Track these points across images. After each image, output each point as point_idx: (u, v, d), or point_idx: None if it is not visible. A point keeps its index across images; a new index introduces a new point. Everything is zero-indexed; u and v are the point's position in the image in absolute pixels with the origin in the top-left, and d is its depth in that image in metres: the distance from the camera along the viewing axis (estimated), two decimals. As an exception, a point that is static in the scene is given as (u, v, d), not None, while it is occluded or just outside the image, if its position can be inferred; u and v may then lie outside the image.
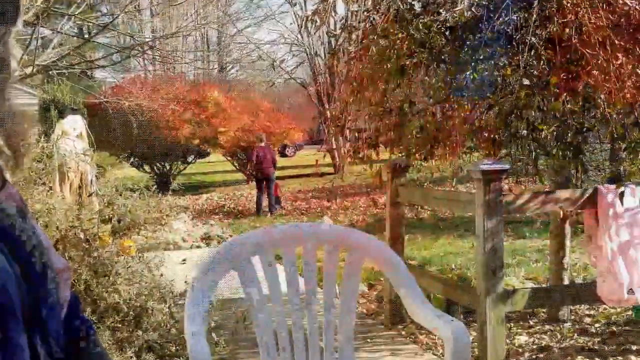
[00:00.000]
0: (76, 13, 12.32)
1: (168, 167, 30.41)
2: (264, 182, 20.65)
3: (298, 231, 4.23)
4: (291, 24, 44.31)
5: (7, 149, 1.31)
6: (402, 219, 7.91)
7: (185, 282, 6.89)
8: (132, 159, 30.17)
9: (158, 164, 30.16)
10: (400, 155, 7.58)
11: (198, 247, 13.89)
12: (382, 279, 8.55)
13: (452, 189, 11.11)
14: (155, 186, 7.68)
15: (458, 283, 8.00)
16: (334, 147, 29.06)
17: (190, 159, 32.48)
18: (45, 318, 1.29)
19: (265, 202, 20.73)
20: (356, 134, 7.98)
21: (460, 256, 11.28)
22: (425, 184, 10.92)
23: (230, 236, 14.09)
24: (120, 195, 7.35)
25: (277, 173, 27.82)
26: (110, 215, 7.37)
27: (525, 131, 6.69)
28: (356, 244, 4.19)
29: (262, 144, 21.24)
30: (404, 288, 4.11)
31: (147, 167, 30.18)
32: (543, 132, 6.68)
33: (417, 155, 7.39)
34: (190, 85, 32.22)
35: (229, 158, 32.63)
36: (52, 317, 1.32)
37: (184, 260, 11.94)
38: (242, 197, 26.08)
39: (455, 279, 8.89)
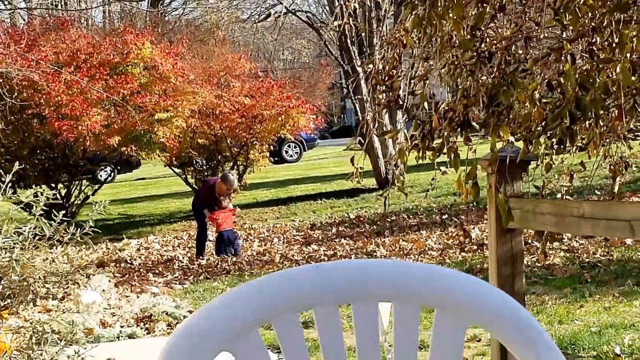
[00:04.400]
0: None
1: (64, 192, 18.76)
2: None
3: (344, 275, 1.86)
4: None
5: None
6: (520, 262, 4.37)
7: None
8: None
9: (44, 186, 17.08)
10: (511, 142, 4.14)
11: (131, 336, 8.00)
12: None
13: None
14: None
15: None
16: (378, 136, 15.12)
17: (103, 174, 22.85)
18: None
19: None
20: (425, 105, 4.43)
21: (631, 330, 6.82)
22: (559, 194, 5.38)
23: (190, 312, 8.83)
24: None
25: (266, 194, 21.88)
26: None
27: None
28: (454, 295, 1.90)
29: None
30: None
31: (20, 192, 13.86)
32: None
33: (543, 139, 4.17)
34: (98, 35, 20.33)
35: (175, 169, 21.14)
36: None
37: None
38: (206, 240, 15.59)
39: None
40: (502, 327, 1.89)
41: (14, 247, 3.67)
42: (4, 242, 3.70)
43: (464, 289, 1.88)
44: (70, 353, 4.33)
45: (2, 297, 3.96)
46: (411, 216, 16.22)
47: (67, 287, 4.04)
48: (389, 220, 16.07)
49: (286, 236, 15.69)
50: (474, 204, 15.92)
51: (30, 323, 4.05)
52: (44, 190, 3.96)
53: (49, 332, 3.87)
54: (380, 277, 1.85)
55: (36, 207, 3.82)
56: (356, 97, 20.86)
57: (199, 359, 1.71)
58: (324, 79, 30.46)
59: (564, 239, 11.17)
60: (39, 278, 3.72)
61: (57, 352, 4.04)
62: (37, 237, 3.86)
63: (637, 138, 5.09)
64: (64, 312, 5.74)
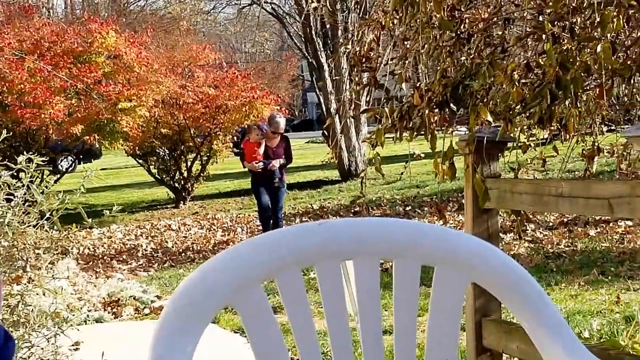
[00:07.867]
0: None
1: (26, 181, 18.50)
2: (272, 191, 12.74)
3: (346, 231, 1.85)
4: None
5: None
6: (496, 242, 4.34)
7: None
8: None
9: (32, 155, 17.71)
10: (489, 122, 4.08)
11: (98, 320, 7.86)
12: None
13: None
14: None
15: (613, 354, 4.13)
16: (353, 117, 15.21)
17: (64, 164, 22.31)
18: None
19: None
20: (403, 86, 4.37)
21: (598, 317, 6.87)
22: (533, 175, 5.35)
23: (158, 297, 8.93)
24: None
25: (229, 185, 21.06)
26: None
27: None
28: (456, 253, 1.89)
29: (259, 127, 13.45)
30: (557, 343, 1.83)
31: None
32: None
33: (520, 117, 4.14)
34: (62, 24, 20.37)
35: (139, 160, 20.63)
36: None
37: (76, 344, 5.77)
38: (169, 229, 15.98)
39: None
40: (501, 284, 1.90)
41: (5, 213, 3.62)
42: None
43: (467, 248, 1.88)
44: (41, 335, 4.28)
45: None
46: (375, 207, 16.15)
47: (57, 253, 3.97)
48: (352, 211, 16.03)
49: (249, 226, 15.58)
50: (437, 196, 15.98)
51: (19, 292, 3.96)
52: (34, 157, 3.94)
53: (30, 305, 3.81)
54: (382, 234, 1.85)
55: (27, 173, 3.79)
56: (320, 89, 20.80)
57: (202, 314, 1.71)
58: (288, 71, 30.37)
59: (527, 230, 11.22)
60: (30, 244, 3.67)
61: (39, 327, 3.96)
62: (26, 204, 3.82)
63: (611, 130, 5.09)
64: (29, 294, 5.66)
